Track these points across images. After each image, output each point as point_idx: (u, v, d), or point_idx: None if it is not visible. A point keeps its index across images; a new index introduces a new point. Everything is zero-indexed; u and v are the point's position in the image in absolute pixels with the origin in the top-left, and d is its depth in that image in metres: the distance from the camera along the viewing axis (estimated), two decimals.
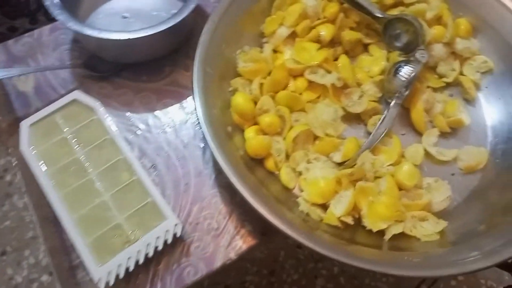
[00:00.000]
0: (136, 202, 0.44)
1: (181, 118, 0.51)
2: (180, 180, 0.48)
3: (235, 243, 0.45)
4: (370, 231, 0.42)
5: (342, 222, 0.43)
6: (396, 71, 0.49)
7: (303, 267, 0.96)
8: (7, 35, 1.03)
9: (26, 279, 0.94)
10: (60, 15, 0.47)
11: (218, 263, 0.44)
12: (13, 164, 0.46)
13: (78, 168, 0.45)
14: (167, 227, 0.42)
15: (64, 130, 0.47)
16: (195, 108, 0.43)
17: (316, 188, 0.44)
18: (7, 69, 0.49)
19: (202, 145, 0.50)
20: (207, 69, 0.46)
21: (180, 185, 0.47)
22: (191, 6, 0.49)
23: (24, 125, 0.46)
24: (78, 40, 0.55)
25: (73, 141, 0.46)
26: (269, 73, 0.51)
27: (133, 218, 0.43)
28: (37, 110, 0.50)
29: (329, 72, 0.50)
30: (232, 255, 0.44)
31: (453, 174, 0.49)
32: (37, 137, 0.46)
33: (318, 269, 0.96)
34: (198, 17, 0.57)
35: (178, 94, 0.53)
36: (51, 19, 0.94)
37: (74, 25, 0.46)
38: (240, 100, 0.47)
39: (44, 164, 0.45)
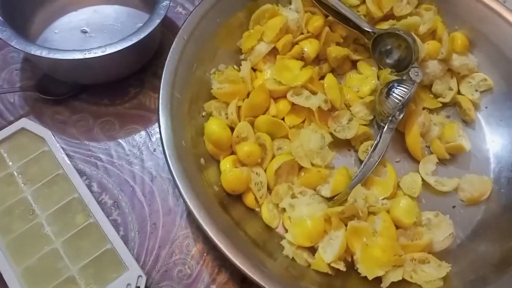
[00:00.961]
0: (93, 250, 0.37)
1: (148, 147, 0.45)
2: (146, 219, 0.41)
3: None
4: (365, 278, 0.37)
5: (332, 268, 0.37)
6: (389, 92, 0.44)
7: None
8: None
9: None
10: (3, 32, 0.40)
11: None
12: None
13: (24, 210, 0.39)
14: (128, 280, 0.36)
15: (10, 164, 0.40)
16: (161, 139, 0.37)
17: (302, 228, 0.38)
18: None
19: (171, 178, 0.44)
20: (175, 94, 0.40)
21: (146, 225, 0.41)
22: (157, 20, 0.43)
23: None
24: (30, 60, 0.48)
25: (19, 177, 0.40)
26: (248, 95, 0.45)
27: (88, 269, 0.37)
28: None
29: (314, 93, 0.45)
30: None
31: (454, 207, 0.44)
32: None
33: None
34: (168, 31, 0.51)
35: (145, 119, 0.47)
36: None
37: (19, 44, 0.40)
38: (214, 127, 0.41)
39: None
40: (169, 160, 0.36)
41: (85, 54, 0.41)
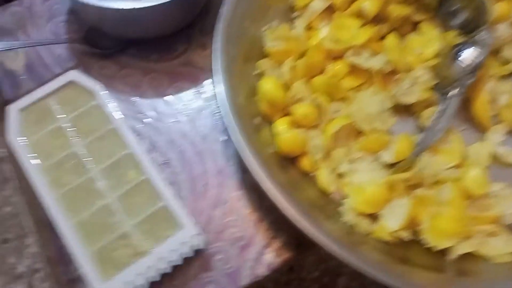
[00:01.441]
0: (146, 207, 0.36)
1: (197, 106, 0.44)
2: (197, 179, 0.40)
3: (266, 256, 0.37)
4: (427, 249, 0.35)
5: (395, 237, 0.35)
6: (456, 55, 0.41)
7: (324, 264, 0.89)
8: None
9: (29, 268, 0.87)
10: None
11: (245, 280, 0.36)
12: (3, 156, 0.39)
13: (76, 164, 0.38)
14: (183, 238, 0.35)
15: (60, 118, 0.39)
16: (215, 95, 0.35)
17: (364, 195, 0.36)
18: None
19: (223, 138, 0.42)
20: (228, 50, 0.38)
21: (197, 185, 0.40)
22: None
23: (13, 110, 0.39)
24: (76, 11, 0.46)
25: (70, 131, 0.39)
26: (302, 54, 0.43)
27: (143, 225, 0.36)
28: (29, 92, 0.42)
29: (374, 54, 0.42)
30: (262, 270, 0.37)
31: None
32: (28, 125, 0.39)
33: (341, 266, 0.89)
34: None
35: (194, 76, 0.45)
36: None
37: None
38: (269, 86, 0.39)
39: (36, 157, 0.37)
40: (226, 118, 0.35)
41: (136, 3, 0.39)
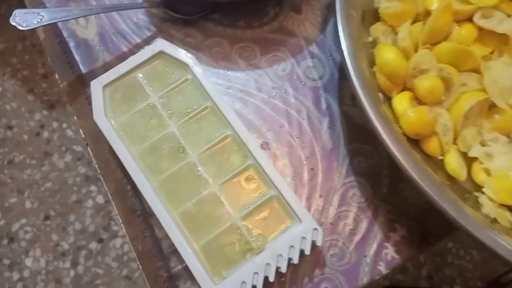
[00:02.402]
0: (255, 196, 0.32)
1: (296, 79, 0.38)
2: (302, 164, 0.36)
3: (385, 251, 0.33)
4: None
5: None
6: None
7: None
8: None
9: (73, 246, 0.87)
10: None
11: (364, 278, 0.33)
12: (82, 137, 0.35)
13: (173, 147, 0.33)
14: (303, 233, 0.31)
15: (150, 94, 0.35)
16: (346, 65, 0.30)
17: (508, 183, 0.31)
18: (65, 8, 0.36)
19: (327, 118, 0.37)
20: (351, 11, 0.32)
21: (303, 171, 0.35)
22: None
23: (97, 86, 0.34)
24: None
25: (162, 109, 0.34)
26: (416, 17, 0.37)
27: (254, 217, 0.32)
28: (105, 64, 0.38)
29: (509, 16, 0.36)
30: (382, 268, 0.33)
31: None
32: (115, 103, 0.34)
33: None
34: None
35: (289, 44, 0.39)
36: None
37: None
38: (390, 56, 0.34)
39: (128, 140, 0.33)
40: (358, 92, 0.30)
41: None
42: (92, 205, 0.89)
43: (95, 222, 0.88)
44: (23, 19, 0.33)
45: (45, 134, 0.97)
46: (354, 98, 0.33)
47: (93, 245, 0.87)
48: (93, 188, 0.91)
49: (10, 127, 0.96)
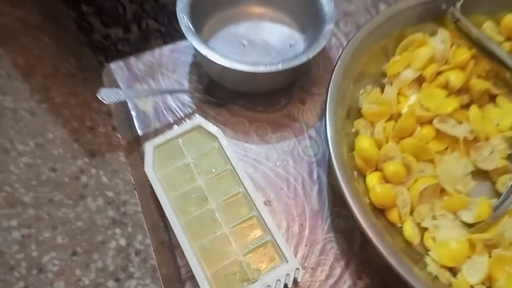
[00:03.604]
0: (256, 240, 0.43)
1: (296, 154, 0.50)
2: (294, 219, 0.46)
3: None
4: None
5: None
6: None
7: None
8: (101, 42, 1.07)
9: (93, 282, 0.96)
10: (195, 41, 0.47)
11: None
12: (132, 183, 0.47)
13: (199, 196, 0.45)
14: (288, 271, 0.41)
15: (187, 156, 0.47)
16: (327, 147, 0.42)
17: (448, 250, 0.41)
18: (136, 91, 0.50)
19: (317, 185, 0.48)
20: (337, 110, 0.45)
21: (294, 225, 0.46)
22: (322, 44, 0.48)
23: (149, 146, 0.47)
24: (198, 64, 0.55)
25: (195, 168, 0.46)
26: (391, 117, 0.49)
27: (252, 255, 0.42)
28: (156, 130, 0.51)
29: (459, 122, 0.48)
30: None
31: None
32: (161, 160, 0.47)
33: None
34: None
35: (294, 128, 0.52)
36: (142, 30, 0.97)
37: (206, 51, 0.46)
38: (366, 145, 0.45)
39: (167, 188, 0.45)
40: (335, 170, 0.41)
41: (257, 68, 0.46)
42: (115, 246, 0.99)
43: (115, 262, 0.98)
44: (106, 95, 0.46)
45: (84, 178, 1.10)
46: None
47: (111, 284, 0.96)
48: (117, 231, 1.01)
49: (54, 170, 1.11)
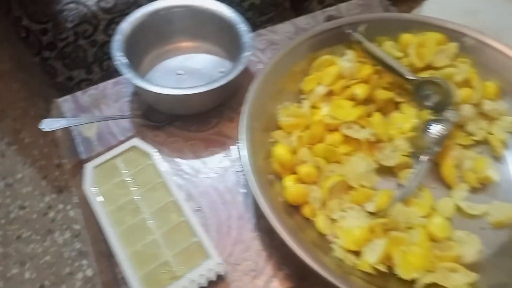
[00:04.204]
0: (183, 242, 0.48)
1: (225, 165, 0.56)
2: (223, 222, 0.52)
3: (272, 284, 0.47)
4: (402, 279, 0.44)
5: (375, 269, 0.45)
6: (427, 129, 0.53)
7: None
8: (66, 83, 1.13)
9: None
10: (127, 74, 0.54)
11: None
12: (74, 202, 0.52)
13: (134, 208, 0.50)
14: (210, 266, 0.46)
15: (123, 173, 0.52)
16: (239, 157, 0.48)
17: (351, 235, 0.47)
18: (77, 118, 0.56)
19: (244, 191, 0.54)
20: (252, 123, 0.51)
21: (222, 227, 0.51)
22: (240, 68, 0.55)
23: (89, 167, 0.52)
24: (138, 93, 0.62)
25: (130, 183, 0.52)
26: (307, 127, 0.55)
27: (180, 256, 0.47)
28: (99, 154, 0.56)
29: (363, 127, 0.55)
30: None
31: (482, 229, 0.51)
32: (99, 178, 0.52)
33: None
34: (244, 74, 0.63)
35: (223, 143, 0.58)
36: (104, 70, 1.05)
37: (139, 82, 0.53)
38: (281, 151, 0.52)
39: (104, 203, 0.50)
40: (247, 175, 0.47)
41: (185, 91, 0.53)
42: (82, 277, 1.02)
43: None
44: (47, 124, 0.52)
45: (51, 214, 1.14)
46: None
47: None
48: (84, 262, 1.04)
49: (23, 207, 1.14)
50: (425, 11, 0.85)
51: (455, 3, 0.84)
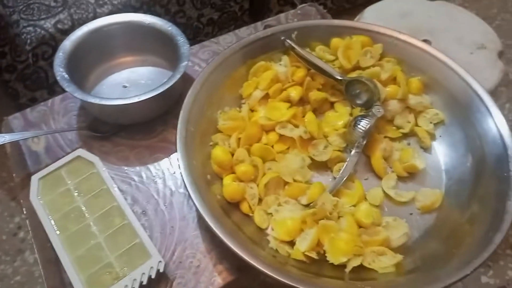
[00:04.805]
0: (126, 243, 0.50)
1: (169, 170, 0.59)
2: (166, 224, 0.54)
3: (214, 279, 0.50)
4: (333, 264, 0.47)
5: (307, 257, 0.48)
6: (355, 124, 0.56)
7: None
8: (29, 105, 1.15)
9: None
10: (68, 87, 0.56)
11: None
12: (23, 213, 0.53)
13: (77, 215, 0.52)
14: (151, 264, 0.48)
15: (68, 182, 0.54)
16: (178, 161, 0.51)
17: (284, 227, 0.49)
18: (23, 132, 0.58)
19: (186, 192, 0.56)
20: (189, 128, 0.54)
21: (166, 228, 0.54)
22: (177, 76, 0.58)
23: (34, 178, 0.54)
24: (84, 107, 0.64)
25: (75, 191, 0.54)
26: (245, 129, 0.59)
27: (122, 257, 0.49)
28: (46, 166, 0.58)
29: (297, 126, 0.58)
30: None
31: (411, 214, 0.54)
32: (45, 189, 0.54)
33: None
34: (187, 83, 0.66)
35: (168, 149, 0.61)
36: (67, 90, 1.05)
37: (79, 95, 0.55)
38: (219, 152, 0.54)
39: (49, 211, 0.52)
40: (184, 177, 0.49)
41: (125, 101, 0.56)
42: None
43: None
44: None
45: (21, 234, 1.14)
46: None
47: None
48: None
49: None
50: (366, 17, 0.90)
51: (391, 8, 0.90)
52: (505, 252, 1.09)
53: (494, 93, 0.85)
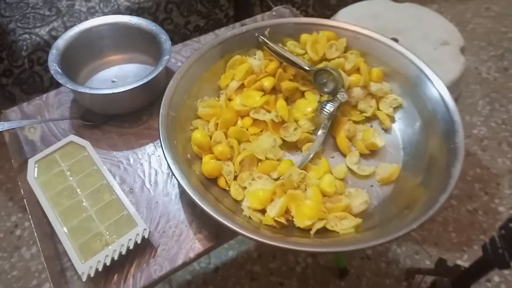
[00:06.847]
0: (115, 215, 0.55)
1: (154, 153, 0.65)
2: (152, 199, 0.60)
3: (194, 245, 0.55)
4: (300, 229, 0.53)
5: (277, 222, 0.54)
6: (322, 108, 0.63)
7: None
8: None
9: None
10: (61, 79, 0.62)
11: (179, 261, 0.54)
12: (21, 193, 0.59)
13: (70, 192, 0.58)
14: (137, 232, 0.53)
15: (62, 164, 0.60)
16: (160, 143, 0.56)
17: (256, 197, 0.55)
18: (19, 121, 0.64)
19: (169, 171, 0.62)
20: (170, 113, 0.60)
21: (151, 203, 0.59)
22: (160, 68, 0.64)
23: (31, 161, 0.60)
24: (76, 100, 0.70)
25: (68, 172, 0.59)
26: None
27: (111, 226, 0.54)
28: (41, 152, 0.64)
29: (269, 111, 0.64)
30: (192, 255, 0.55)
31: (372, 186, 0.60)
32: (41, 170, 0.60)
33: None
34: (171, 78, 0.73)
35: (153, 135, 0.67)
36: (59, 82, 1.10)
37: (71, 85, 0.62)
38: (198, 135, 0.60)
39: (45, 190, 0.58)
40: (166, 155, 0.55)
41: (113, 90, 0.62)
42: (49, 287, 1.06)
43: None
44: None
45: (18, 232, 1.19)
46: None
47: None
48: None
49: None
50: (338, 19, 0.98)
51: (362, 10, 0.98)
52: (479, 237, 1.15)
53: (457, 84, 0.93)
